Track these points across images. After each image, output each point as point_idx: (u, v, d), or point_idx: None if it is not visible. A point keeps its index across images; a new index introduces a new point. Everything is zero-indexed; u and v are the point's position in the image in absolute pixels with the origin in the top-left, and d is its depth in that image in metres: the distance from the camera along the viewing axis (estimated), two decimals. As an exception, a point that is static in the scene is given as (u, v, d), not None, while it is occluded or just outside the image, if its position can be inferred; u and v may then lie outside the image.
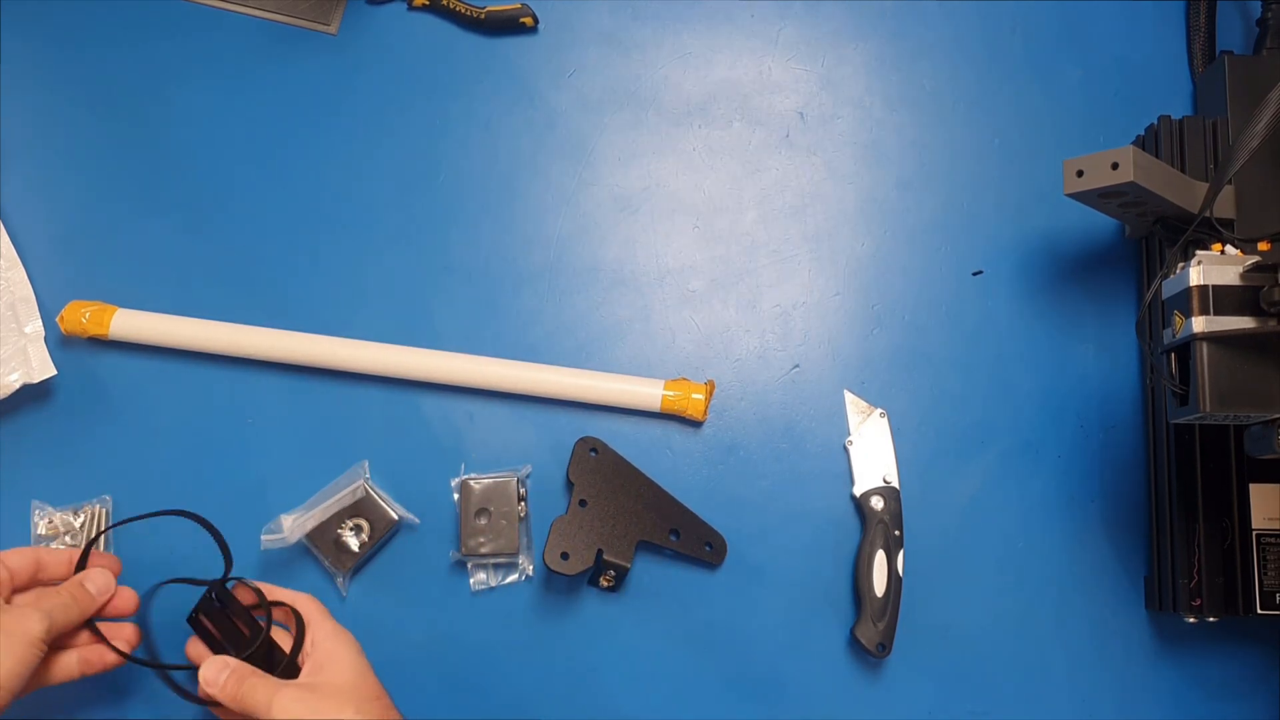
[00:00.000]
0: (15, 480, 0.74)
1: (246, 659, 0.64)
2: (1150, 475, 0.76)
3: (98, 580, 0.66)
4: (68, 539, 0.72)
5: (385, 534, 0.73)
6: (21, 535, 0.73)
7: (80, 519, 0.72)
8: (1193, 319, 0.61)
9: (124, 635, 0.67)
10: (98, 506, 0.73)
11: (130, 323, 0.74)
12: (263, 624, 0.66)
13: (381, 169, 0.79)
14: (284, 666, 0.65)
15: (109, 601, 0.67)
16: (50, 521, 0.72)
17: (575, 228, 0.79)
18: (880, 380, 0.78)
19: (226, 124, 0.79)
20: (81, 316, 0.74)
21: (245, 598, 0.68)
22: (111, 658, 0.66)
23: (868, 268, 0.80)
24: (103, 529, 0.72)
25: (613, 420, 0.76)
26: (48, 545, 0.72)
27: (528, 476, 0.75)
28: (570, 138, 0.81)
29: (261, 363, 0.76)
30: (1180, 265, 0.63)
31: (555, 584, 0.74)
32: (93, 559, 0.67)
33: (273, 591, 0.68)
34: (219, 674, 0.62)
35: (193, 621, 0.68)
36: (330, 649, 0.65)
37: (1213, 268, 0.61)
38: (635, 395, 0.75)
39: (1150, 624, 0.76)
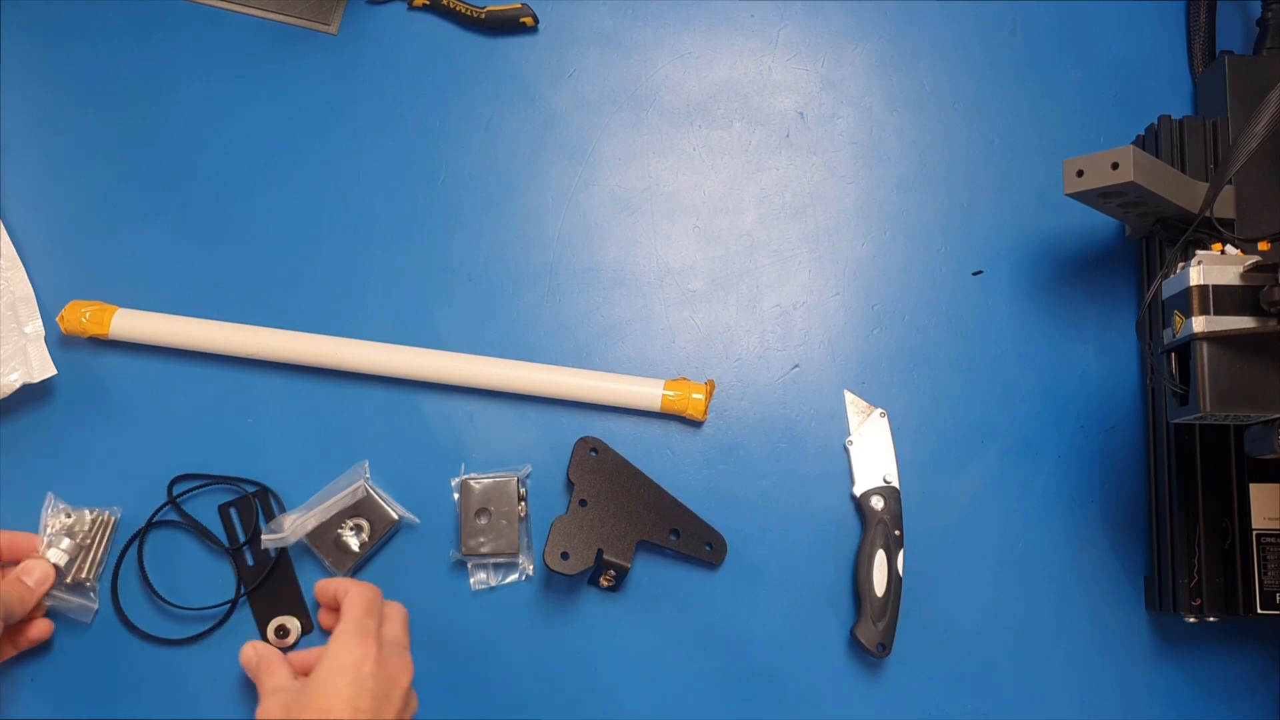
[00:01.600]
0: (15, 480, 0.74)
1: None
2: (1150, 475, 0.76)
3: (36, 573, 0.69)
4: (67, 539, 0.72)
5: (385, 534, 0.73)
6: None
7: (88, 521, 0.72)
8: (1193, 319, 0.61)
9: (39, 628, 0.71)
10: (107, 514, 0.73)
11: (130, 323, 0.74)
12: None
13: (381, 169, 0.79)
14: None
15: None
16: (63, 518, 0.72)
17: (575, 228, 0.79)
18: (880, 380, 0.78)
19: (226, 124, 0.79)
20: (81, 316, 0.74)
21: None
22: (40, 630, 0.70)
23: (868, 268, 0.80)
24: (109, 531, 0.73)
25: (613, 420, 0.76)
26: (51, 542, 0.72)
27: (528, 476, 0.75)
28: (570, 138, 0.81)
29: (261, 363, 0.76)
30: (1180, 265, 0.63)
31: (555, 584, 0.74)
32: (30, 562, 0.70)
33: (331, 585, 0.69)
34: (248, 652, 0.67)
35: (222, 510, 0.74)
36: (329, 660, 0.62)
37: (1213, 268, 0.61)
38: (635, 395, 0.75)
39: (1150, 624, 0.76)
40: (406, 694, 0.63)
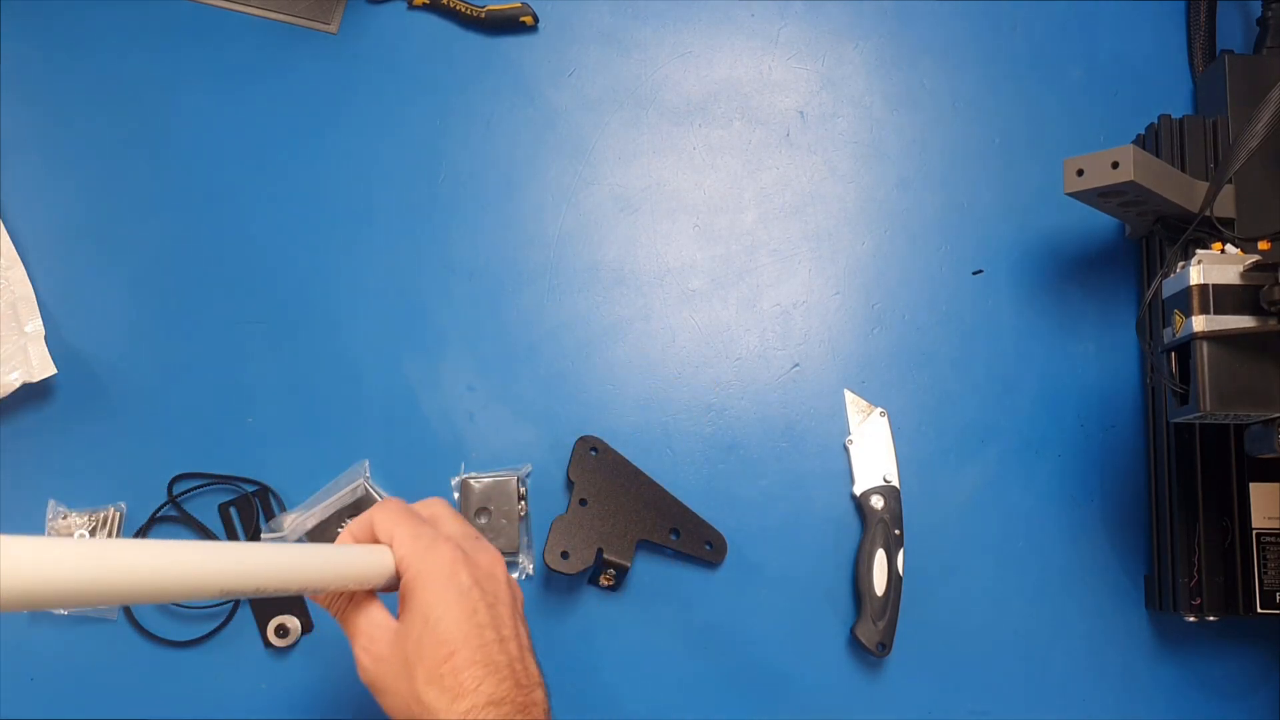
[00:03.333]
0: (15, 480, 0.74)
1: None
2: (1150, 475, 0.76)
3: None
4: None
5: (385, 533, 0.73)
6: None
7: (92, 523, 0.72)
8: (1193, 318, 0.61)
9: None
10: (111, 510, 0.73)
11: None
12: None
13: (381, 168, 0.79)
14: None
15: None
16: (65, 519, 0.72)
17: (575, 227, 0.79)
18: (880, 379, 0.78)
19: (226, 123, 0.79)
20: None
21: None
22: None
23: (868, 267, 0.80)
24: (118, 527, 0.73)
25: (613, 419, 0.76)
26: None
27: (528, 475, 0.75)
28: (570, 137, 0.81)
29: (261, 362, 0.76)
30: (1180, 264, 0.63)
31: (555, 583, 0.74)
32: None
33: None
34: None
35: (222, 510, 0.74)
36: (422, 594, 0.51)
37: (1213, 267, 0.61)
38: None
39: (1150, 624, 0.76)
40: (510, 583, 0.55)
